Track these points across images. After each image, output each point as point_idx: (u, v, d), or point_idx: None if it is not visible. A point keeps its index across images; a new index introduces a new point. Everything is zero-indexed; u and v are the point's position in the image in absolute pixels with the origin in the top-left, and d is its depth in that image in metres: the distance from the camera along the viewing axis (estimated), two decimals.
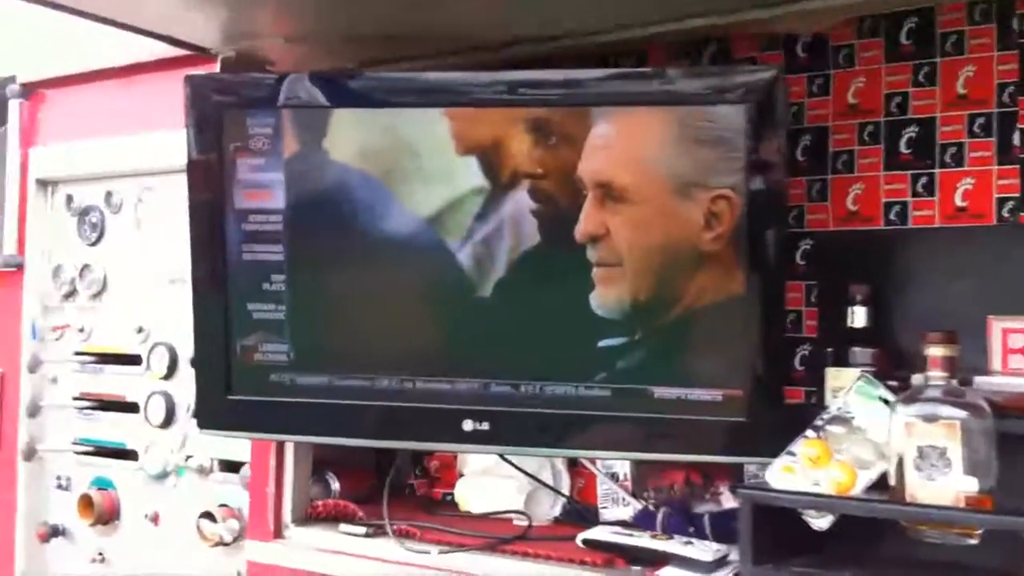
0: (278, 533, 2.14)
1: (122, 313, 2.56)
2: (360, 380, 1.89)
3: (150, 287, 2.50)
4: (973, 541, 1.42)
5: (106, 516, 2.52)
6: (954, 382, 1.47)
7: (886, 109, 1.81)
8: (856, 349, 1.70)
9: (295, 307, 1.91)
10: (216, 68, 2.14)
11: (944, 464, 1.42)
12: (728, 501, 1.93)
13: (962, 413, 1.43)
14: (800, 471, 1.53)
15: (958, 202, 1.75)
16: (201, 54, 2.10)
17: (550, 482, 2.11)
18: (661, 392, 1.76)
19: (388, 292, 1.91)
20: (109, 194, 2.60)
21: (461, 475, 2.23)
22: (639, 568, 1.77)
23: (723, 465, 1.90)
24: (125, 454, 2.53)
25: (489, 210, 1.81)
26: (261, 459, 2.17)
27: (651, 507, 1.98)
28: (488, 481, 2.15)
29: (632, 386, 1.78)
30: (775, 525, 1.53)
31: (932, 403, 1.45)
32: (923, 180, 1.78)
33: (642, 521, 1.94)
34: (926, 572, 1.53)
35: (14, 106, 2.72)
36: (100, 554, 2.56)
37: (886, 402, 1.53)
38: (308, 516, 2.15)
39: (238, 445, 2.25)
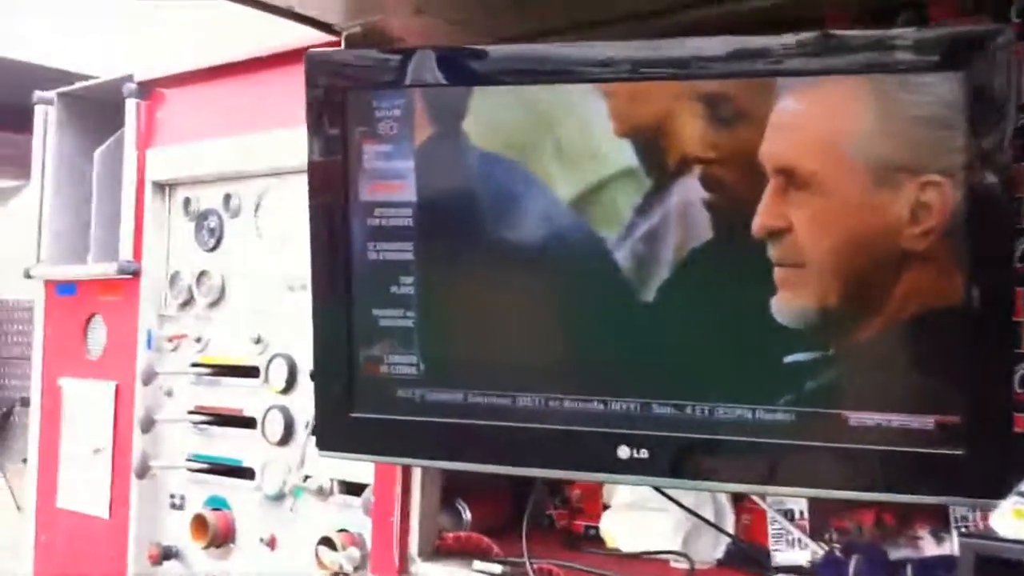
0: (403, 568, 1.97)
1: (240, 322, 2.46)
2: (499, 397, 1.68)
3: (268, 295, 2.40)
4: None
5: (220, 538, 2.41)
6: None
7: None
8: None
9: (426, 313, 1.72)
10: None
11: None
12: (930, 547, 1.70)
13: None
14: None
15: None
16: (324, 30, 1.95)
17: (711, 517, 1.89)
18: (858, 418, 1.51)
19: (533, 296, 1.70)
20: (228, 197, 2.50)
21: (607, 507, 2.03)
22: None
23: (923, 505, 1.65)
24: (241, 472, 2.42)
25: (652, 200, 1.58)
26: (386, 484, 2.00)
27: (837, 552, 1.73)
28: (639, 515, 1.94)
29: (822, 410, 1.52)
30: None
31: None
32: None
33: (829, 570, 1.69)
34: None
35: (131, 106, 2.64)
36: None
37: None
38: (437, 549, 1.99)
39: (360, 466, 2.10)
